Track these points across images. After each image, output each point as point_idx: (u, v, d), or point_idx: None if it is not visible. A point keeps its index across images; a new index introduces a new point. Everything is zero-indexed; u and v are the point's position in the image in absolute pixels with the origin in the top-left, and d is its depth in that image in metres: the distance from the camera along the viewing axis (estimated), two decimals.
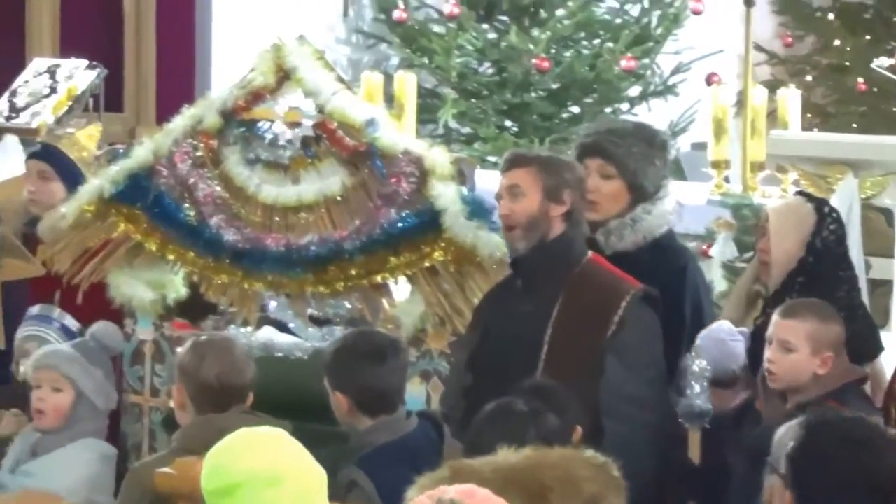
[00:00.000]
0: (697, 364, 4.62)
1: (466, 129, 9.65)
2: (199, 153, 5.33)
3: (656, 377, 4.54)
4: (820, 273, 4.81)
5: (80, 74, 9.19)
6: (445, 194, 4.90)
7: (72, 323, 5.59)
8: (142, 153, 5.40)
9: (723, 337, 4.83)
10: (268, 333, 5.65)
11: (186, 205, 5.31)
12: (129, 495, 4.64)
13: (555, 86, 9.98)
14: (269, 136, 5.32)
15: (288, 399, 5.05)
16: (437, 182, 4.95)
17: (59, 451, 5.13)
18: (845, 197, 5.65)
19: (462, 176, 5.25)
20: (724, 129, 8.13)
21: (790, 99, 8.36)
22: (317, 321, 5.70)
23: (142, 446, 5.75)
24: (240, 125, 5.29)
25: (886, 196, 5.95)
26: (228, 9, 11.35)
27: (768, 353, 4.28)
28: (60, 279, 5.70)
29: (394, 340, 4.74)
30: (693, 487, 4.81)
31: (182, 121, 5.41)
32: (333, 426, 4.71)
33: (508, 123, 9.69)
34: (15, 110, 9.05)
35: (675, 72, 10.19)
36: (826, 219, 4.87)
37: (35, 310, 5.66)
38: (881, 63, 9.28)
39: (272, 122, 5.33)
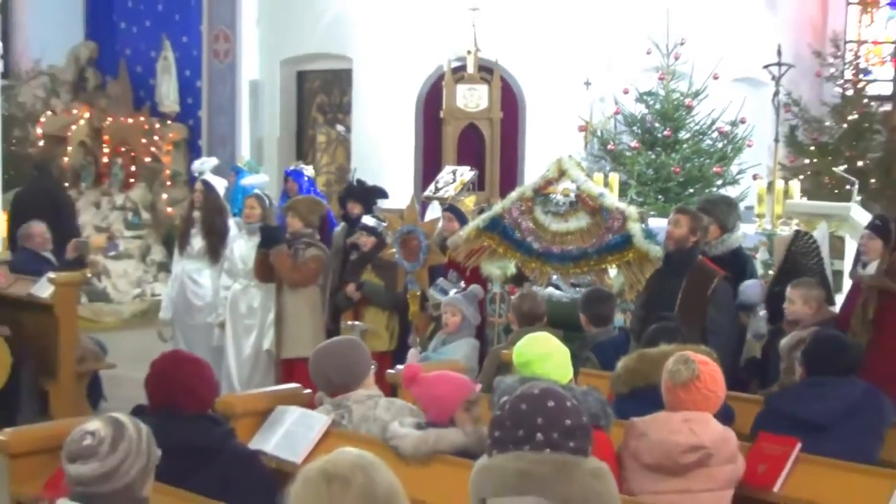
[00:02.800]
0: (761, 309, 6.85)
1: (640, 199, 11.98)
2: (522, 208, 7.18)
3: (730, 315, 6.66)
4: (800, 263, 6.92)
5: (467, 172, 11.59)
6: (634, 227, 6.72)
7: (461, 285, 7.79)
8: (498, 207, 7.34)
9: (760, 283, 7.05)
10: (550, 290, 7.82)
11: (517, 232, 7.11)
12: (488, 363, 6.79)
13: (681, 179, 12.70)
14: (554, 199, 7.08)
15: (559, 319, 7.08)
16: (631, 221, 6.77)
17: (455, 343, 7.30)
18: (823, 231, 7.52)
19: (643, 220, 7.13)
20: (763, 199, 10.50)
21: (794, 186, 10.70)
22: (574, 285, 7.77)
23: (494, 341, 7.65)
24: (541, 195, 7.16)
25: (840, 231, 8.09)
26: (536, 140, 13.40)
27: (786, 304, 6.22)
28: (458, 264, 7.75)
29: (607, 293, 6.97)
30: (755, 370, 6.82)
31: (515, 193, 7.41)
32: (580, 332, 6.77)
33: (660, 197, 12.32)
34: (437, 189, 11.30)
35: (739, 173, 13.08)
36: (801, 238, 7.09)
37: (446, 279, 7.95)
38: (840, 168, 12.21)
39: (556, 194, 7.12)
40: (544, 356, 4.44)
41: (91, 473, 2.86)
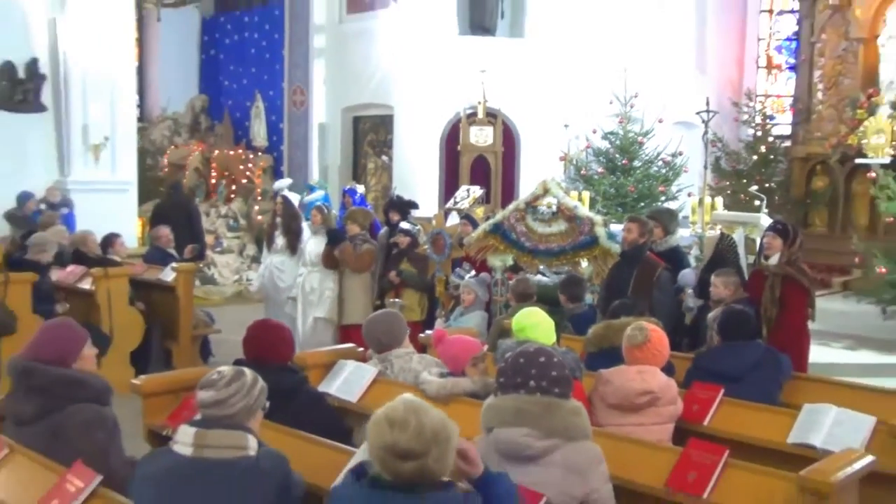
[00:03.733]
0: (690, 290, 6.70)
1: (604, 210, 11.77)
2: (517, 216, 7.28)
3: (670, 295, 6.55)
4: (723, 257, 6.98)
5: (477, 190, 11.51)
6: (600, 231, 6.92)
7: (473, 272, 7.67)
8: (499, 216, 7.49)
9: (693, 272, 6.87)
10: (539, 276, 7.67)
11: (513, 234, 7.25)
12: (493, 330, 6.56)
13: (635, 196, 12.63)
14: (541, 210, 7.23)
15: (545, 297, 6.77)
16: (597, 227, 6.95)
17: (469, 315, 7.21)
18: (740, 234, 7.55)
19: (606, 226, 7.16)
20: (695, 210, 10.27)
21: (718, 201, 10.70)
22: (555, 273, 7.72)
23: (497, 314, 7.32)
24: (531, 207, 7.29)
25: (753, 234, 7.94)
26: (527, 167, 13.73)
27: (712, 288, 6.11)
28: (471, 258, 7.71)
29: (580, 278, 6.89)
30: (685, 334, 6.60)
31: (512, 206, 7.49)
32: (560, 307, 6.54)
33: (619, 209, 12.16)
34: (455, 203, 11.24)
35: (678, 191, 13.04)
36: (725, 239, 7.20)
37: (462, 268, 7.86)
38: (752, 188, 12.27)
39: (542, 206, 7.29)
40: (535, 324, 4.50)
41: (208, 399, 2.92)
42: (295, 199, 9.47)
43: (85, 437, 3.41)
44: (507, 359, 3.13)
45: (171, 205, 10.59)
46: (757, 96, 16.19)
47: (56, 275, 8.03)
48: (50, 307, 7.38)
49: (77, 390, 3.49)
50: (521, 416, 2.95)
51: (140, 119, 14.46)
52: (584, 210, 7.40)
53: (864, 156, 12.61)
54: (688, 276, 6.83)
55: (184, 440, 2.89)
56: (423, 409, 2.47)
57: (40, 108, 11.86)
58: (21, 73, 11.63)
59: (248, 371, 3.04)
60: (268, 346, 4.01)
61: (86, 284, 7.86)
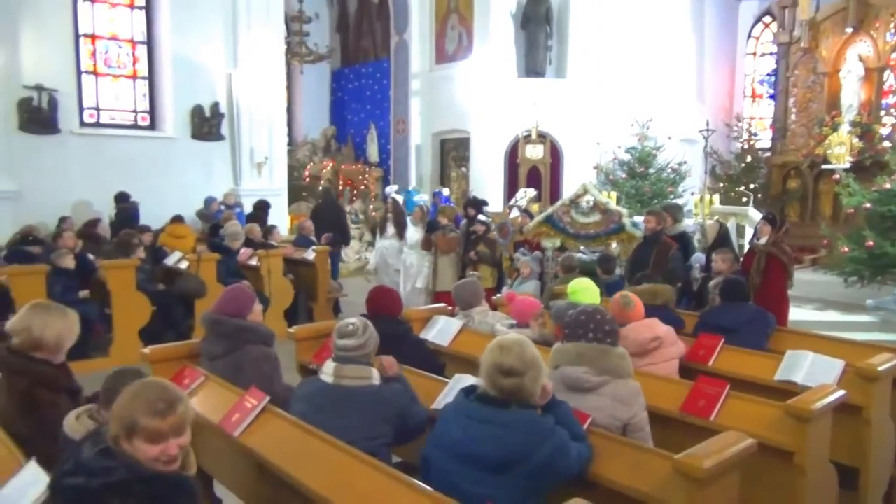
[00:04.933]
0: (697, 266, 6.58)
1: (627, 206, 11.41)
2: (564, 210, 7.22)
3: (681, 268, 6.31)
4: (723, 240, 6.71)
5: (531, 192, 11.11)
6: (626, 221, 6.86)
7: (530, 252, 7.43)
8: (550, 210, 7.38)
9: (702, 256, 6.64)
10: (580, 255, 7.36)
11: (560, 223, 7.19)
12: (546, 294, 6.27)
13: (651, 195, 12.32)
14: (582, 205, 7.12)
15: (584, 270, 6.44)
16: (624, 217, 6.88)
17: (528, 283, 6.95)
18: (733, 223, 7.37)
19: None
20: (697, 206, 10.14)
21: (715, 198, 10.50)
22: (592, 252, 7.54)
23: (548, 283, 6.98)
24: (574, 203, 7.19)
25: (742, 222, 7.76)
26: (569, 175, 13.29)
27: (713, 263, 5.91)
28: (529, 241, 7.46)
29: (613, 256, 6.69)
30: (692, 297, 6.39)
31: (559, 202, 7.44)
32: (596, 278, 5.94)
33: (638, 205, 11.71)
34: (516, 201, 10.77)
35: (683, 191, 12.61)
36: (723, 227, 6.91)
37: (523, 249, 7.57)
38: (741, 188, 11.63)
39: (582, 202, 7.16)
40: (585, 289, 4.53)
41: (351, 344, 2.93)
42: (400, 199, 9.51)
43: (256, 369, 3.43)
44: (572, 315, 3.05)
45: (325, 206, 10.47)
46: (744, 119, 15.74)
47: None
48: (237, 280, 7.47)
49: (250, 335, 3.52)
50: (582, 358, 2.88)
51: (289, 143, 14.67)
52: (613, 205, 7.31)
53: (829, 162, 12.31)
54: (699, 257, 6.66)
55: (327, 371, 2.92)
56: (526, 342, 2.47)
57: (220, 137, 12.13)
58: (207, 113, 11.92)
59: (370, 323, 3.03)
60: (384, 304, 3.99)
61: (253, 262, 8.00)
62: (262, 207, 10.25)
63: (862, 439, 3.30)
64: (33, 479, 2.13)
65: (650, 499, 2.38)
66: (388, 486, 2.31)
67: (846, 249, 8.14)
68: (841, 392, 3.02)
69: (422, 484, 2.29)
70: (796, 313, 7.18)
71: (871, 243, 7.82)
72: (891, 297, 8.35)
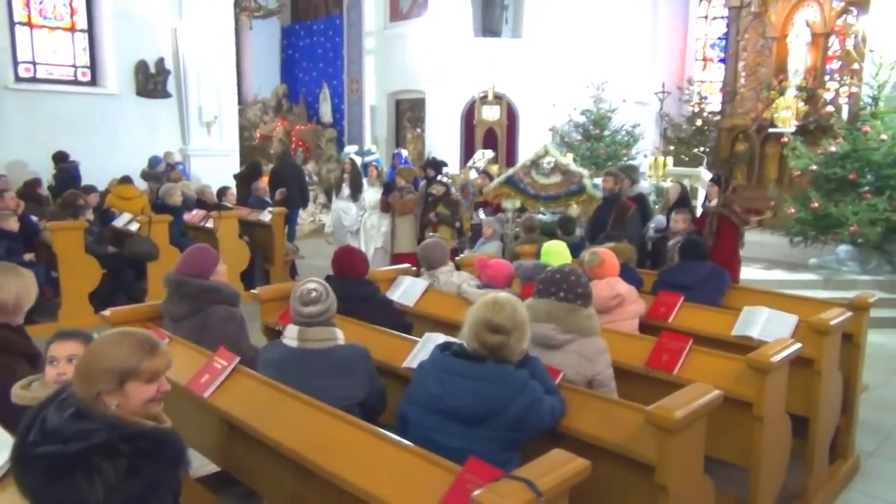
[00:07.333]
0: (653, 226, 6.73)
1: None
2: (524, 170, 7.23)
3: (638, 228, 6.50)
4: (684, 201, 6.78)
5: (489, 153, 10.94)
6: (587, 182, 6.92)
7: (490, 213, 7.70)
8: (511, 171, 7.42)
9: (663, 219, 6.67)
10: (540, 216, 7.48)
11: (521, 183, 7.18)
12: (509, 255, 6.44)
13: (605, 157, 12.30)
14: (542, 166, 7.07)
15: (546, 231, 6.78)
16: (584, 178, 6.95)
17: (489, 244, 7.02)
18: (686, 184, 7.74)
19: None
20: (651, 167, 10.31)
21: (669, 160, 10.66)
22: (552, 213, 7.66)
23: (509, 243, 7.14)
24: (535, 164, 7.17)
25: (696, 184, 7.92)
26: (525, 137, 13.32)
27: (671, 223, 6.13)
28: (490, 202, 7.65)
29: (573, 217, 6.80)
30: (647, 256, 6.72)
31: (520, 163, 7.47)
32: (556, 238, 5.96)
33: (593, 167, 11.62)
34: (474, 162, 10.50)
35: (636, 153, 12.62)
36: (683, 189, 6.90)
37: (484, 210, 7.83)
38: (697, 150, 11.65)
39: (543, 163, 7.15)
40: (558, 252, 4.63)
41: (316, 311, 2.89)
42: (357, 160, 9.37)
43: (222, 330, 3.40)
44: (547, 273, 3.07)
45: (282, 167, 10.31)
46: (695, 82, 15.86)
47: (186, 217, 8.02)
48: (188, 240, 7.32)
49: (215, 295, 3.48)
50: (551, 316, 2.91)
51: (238, 102, 14.33)
52: (574, 166, 7.29)
53: (775, 126, 12.50)
54: (660, 219, 6.76)
55: (290, 336, 2.91)
56: (519, 303, 2.49)
57: (167, 94, 11.75)
58: (152, 69, 11.48)
59: (324, 283, 3.01)
60: (351, 265, 3.94)
61: (208, 224, 7.85)
62: (255, 168, 9.89)
63: (813, 390, 3.45)
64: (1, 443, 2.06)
65: (622, 449, 2.45)
66: (367, 441, 2.29)
67: (793, 211, 8.40)
68: (797, 345, 3.12)
69: (401, 439, 2.29)
70: (744, 272, 7.26)
71: (816, 204, 8.08)
72: (832, 257, 8.67)
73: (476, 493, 1.73)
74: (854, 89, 10.40)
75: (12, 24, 10.37)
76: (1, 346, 2.62)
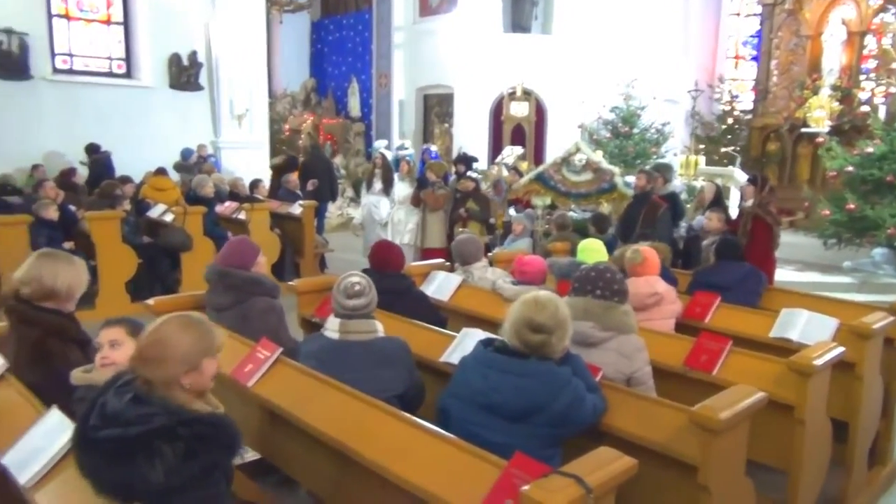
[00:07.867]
0: (684, 225, 6.72)
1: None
2: (555, 168, 7.12)
3: (669, 227, 6.41)
4: (719, 201, 6.78)
5: (517, 150, 10.81)
6: (618, 180, 6.82)
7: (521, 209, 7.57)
8: (541, 168, 7.30)
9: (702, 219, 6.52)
10: (571, 213, 7.34)
11: (552, 181, 7.09)
12: (541, 252, 6.16)
13: (634, 155, 12.27)
14: (574, 163, 7.02)
15: (577, 228, 6.62)
16: (616, 177, 6.85)
17: (520, 241, 6.89)
18: (720, 183, 7.59)
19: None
20: (682, 166, 10.14)
21: (701, 160, 10.52)
22: (584, 210, 7.56)
23: (539, 240, 7.03)
24: (566, 161, 7.10)
25: (728, 183, 7.80)
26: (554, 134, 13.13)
27: (706, 221, 6.08)
28: (520, 199, 7.51)
29: (606, 215, 6.67)
30: (679, 255, 6.47)
31: (550, 160, 7.36)
32: (587, 236, 5.92)
33: (622, 165, 10.95)
34: (502, 158, 10.34)
35: (665, 151, 12.58)
36: (720, 189, 6.92)
37: (515, 206, 7.69)
38: (729, 149, 11.52)
39: (574, 160, 7.07)
40: (595, 250, 4.62)
41: (361, 304, 2.92)
42: (389, 154, 9.39)
43: (262, 321, 3.44)
44: (584, 270, 3.06)
45: (313, 160, 10.29)
46: (726, 80, 15.63)
47: (218, 209, 8.09)
48: (222, 231, 7.38)
49: (257, 287, 3.52)
50: (588, 313, 2.91)
51: (268, 96, 14.41)
52: (606, 164, 7.23)
53: (808, 126, 12.39)
54: (700, 220, 6.63)
55: (332, 328, 2.93)
56: (560, 301, 2.48)
57: (199, 87, 11.87)
58: (185, 62, 11.61)
59: (370, 280, 3.04)
60: (388, 259, 3.97)
61: (240, 216, 7.90)
62: (291, 161, 9.95)
63: (853, 395, 3.39)
64: (58, 425, 2.12)
65: (663, 448, 2.43)
66: (410, 432, 2.31)
67: (827, 212, 8.29)
68: (840, 349, 3.07)
69: (444, 432, 2.30)
70: (777, 274, 7.15)
71: (852, 206, 7.96)
72: (867, 260, 8.55)
73: (525, 487, 1.74)
74: (892, 89, 10.20)
75: (50, 16, 10.55)
76: (57, 332, 2.68)
